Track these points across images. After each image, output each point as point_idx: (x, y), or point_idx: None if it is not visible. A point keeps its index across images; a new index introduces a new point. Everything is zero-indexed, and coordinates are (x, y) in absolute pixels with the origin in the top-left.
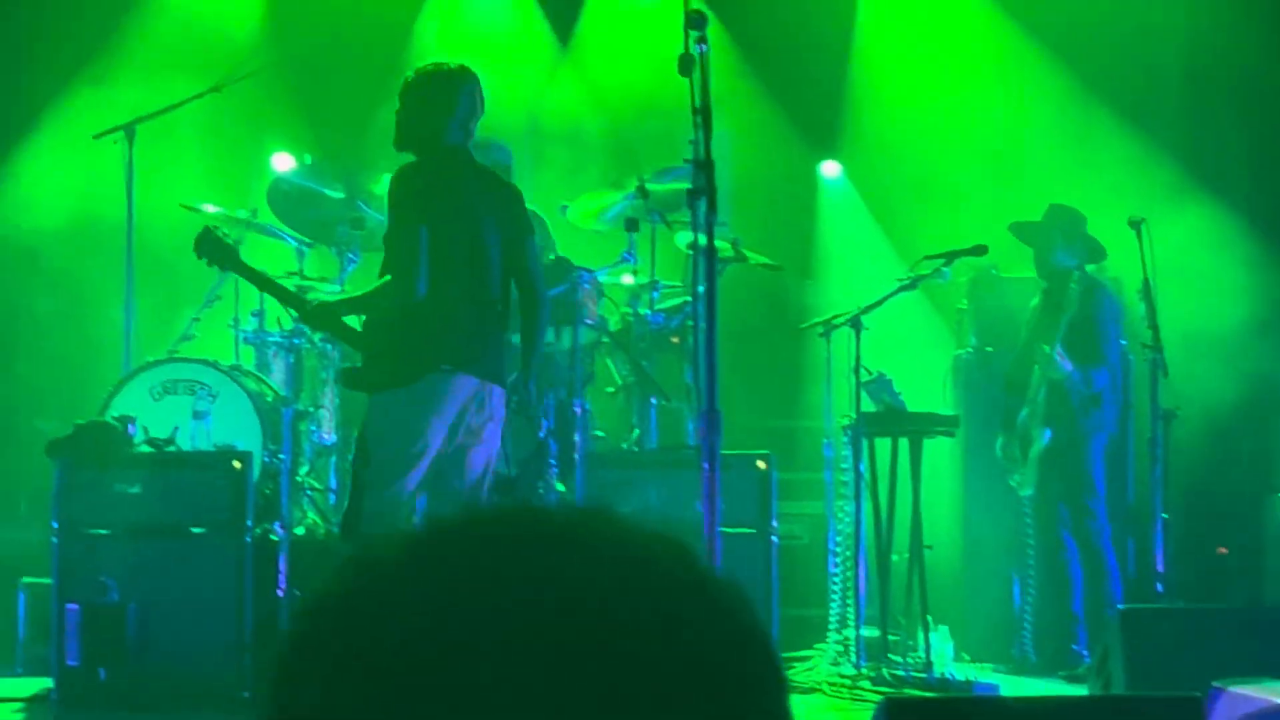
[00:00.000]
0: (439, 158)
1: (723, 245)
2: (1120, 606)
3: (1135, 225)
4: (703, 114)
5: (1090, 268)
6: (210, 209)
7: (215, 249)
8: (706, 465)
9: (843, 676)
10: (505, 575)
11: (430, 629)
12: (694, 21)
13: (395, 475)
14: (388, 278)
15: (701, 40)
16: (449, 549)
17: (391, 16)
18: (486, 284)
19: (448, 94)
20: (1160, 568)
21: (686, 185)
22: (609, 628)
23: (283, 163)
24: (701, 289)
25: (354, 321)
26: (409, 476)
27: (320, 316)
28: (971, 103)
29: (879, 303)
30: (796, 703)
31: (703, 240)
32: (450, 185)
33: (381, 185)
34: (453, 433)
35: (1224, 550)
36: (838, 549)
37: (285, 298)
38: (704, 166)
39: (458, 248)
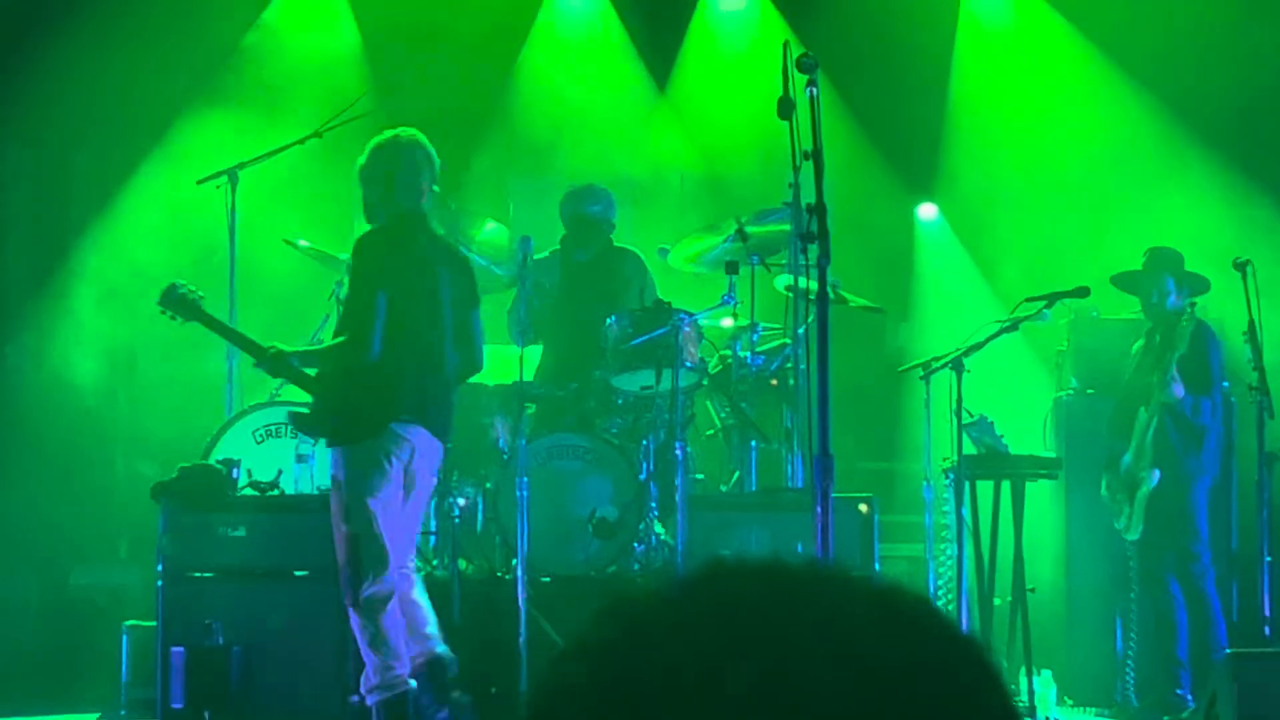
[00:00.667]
0: (396, 223)
1: None
2: (1228, 650)
3: (1240, 267)
4: (814, 157)
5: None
6: (303, 244)
7: (179, 303)
8: (820, 510)
9: None
10: (765, 627)
11: (697, 683)
12: (805, 66)
13: (377, 521)
14: (343, 337)
15: (812, 84)
16: (706, 602)
17: (491, 63)
18: (441, 346)
19: (388, 162)
20: (1267, 611)
21: (784, 227)
22: (879, 679)
23: None
24: (806, 333)
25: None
26: (389, 522)
27: (277, 363)
28: (1070, 143)
29: (980, 344)
30: None
31: (813, 285)
32: (409, 250)
33: (482, 231)
34: (407, 480)
35: None
36: (938, 592)
37: (244, 344)
38: (816, 210)
39: (415, 311)
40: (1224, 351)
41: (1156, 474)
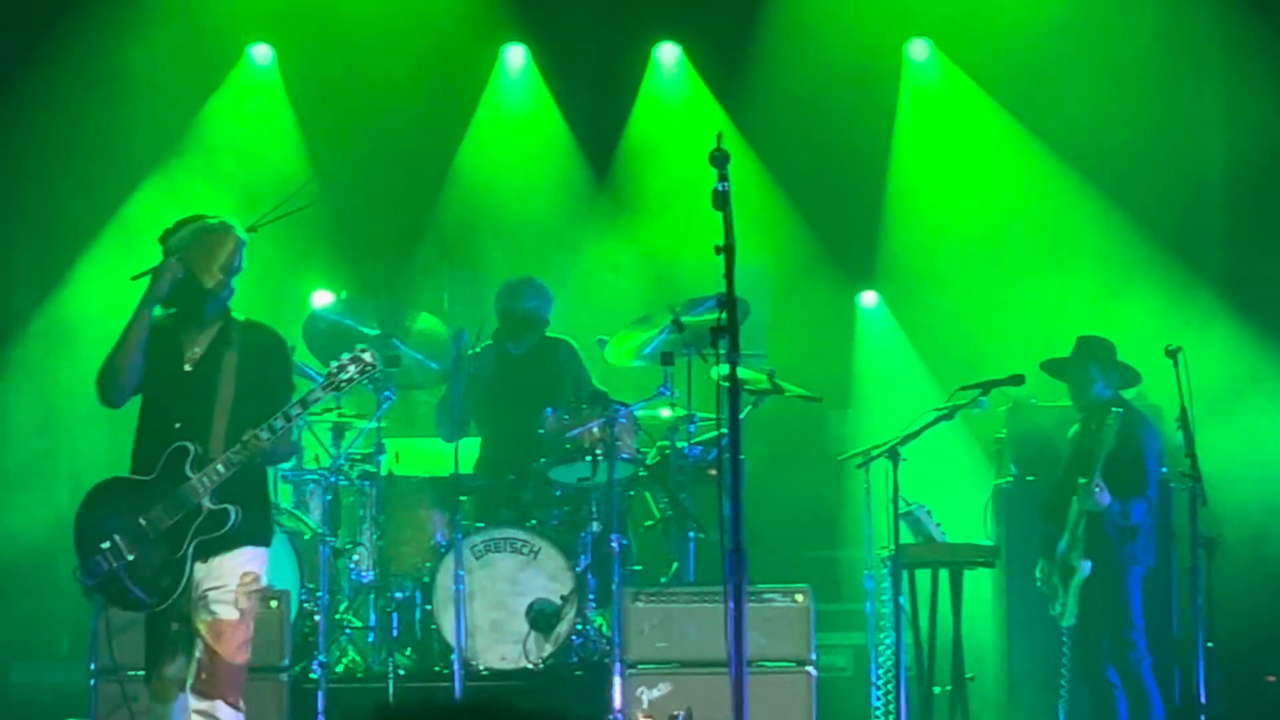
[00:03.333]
0: None
1: (759, 378)
2: None
3: (1172, 354)
4: (726, 252)
5: (1129, 394)
6: None
7: None
8: (733, 605)
9: None
10: None
11: None
12: (716, 160)
13: None
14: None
15: (723, 179)
16: None
17: (430, 154)
18: None
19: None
20: (1203, 698)
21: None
22: None
23: (321, 299)
24: (743, 424)
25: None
26: None
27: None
28: (1009, 232)
29: (916, 434)
30: None
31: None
32: None
33: (418, 322)
34: None
35: (1273, 679)
36: (880, 681)
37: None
38: (725, 303)
39: None
40: (1161, 440)
41: (1088, 565)
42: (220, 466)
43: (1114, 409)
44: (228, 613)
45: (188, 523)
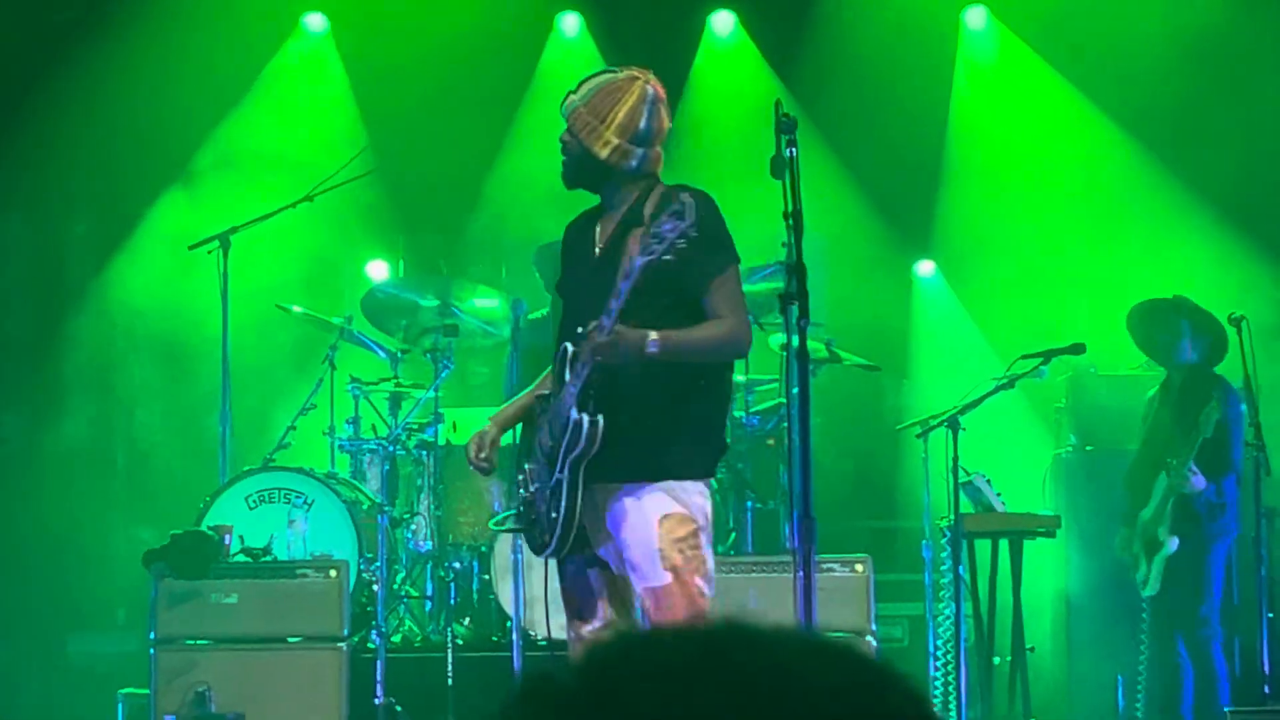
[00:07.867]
0: None
1: (817, 346)
2: (1227, 709)
3: (1236, 323)
4: (794, 218)
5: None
6: (297, 309)
7: None
8: (801, 573)
9: None
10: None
11: None
12: (784, 126)
13: None
14: (723, 319)
15: (791, 144)
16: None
17: (484, 123)
18: None
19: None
20: (1266, 669)
21: (777, 285)
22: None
23: (378, 271)
24: (795, 394)
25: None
26: None
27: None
28: (1067, 199)
29: (976, 403)
30: None
31: (795, 345)
32: None
33: (476, 293)
34: None
35: None
36: (938, 652)
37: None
38: (795, 270)
39: None
40: (1244, 413)
41: (1175, 541)
42: (580, 364)
43: (1214, 398)
44: (657, 577)
45: (560, 439)
